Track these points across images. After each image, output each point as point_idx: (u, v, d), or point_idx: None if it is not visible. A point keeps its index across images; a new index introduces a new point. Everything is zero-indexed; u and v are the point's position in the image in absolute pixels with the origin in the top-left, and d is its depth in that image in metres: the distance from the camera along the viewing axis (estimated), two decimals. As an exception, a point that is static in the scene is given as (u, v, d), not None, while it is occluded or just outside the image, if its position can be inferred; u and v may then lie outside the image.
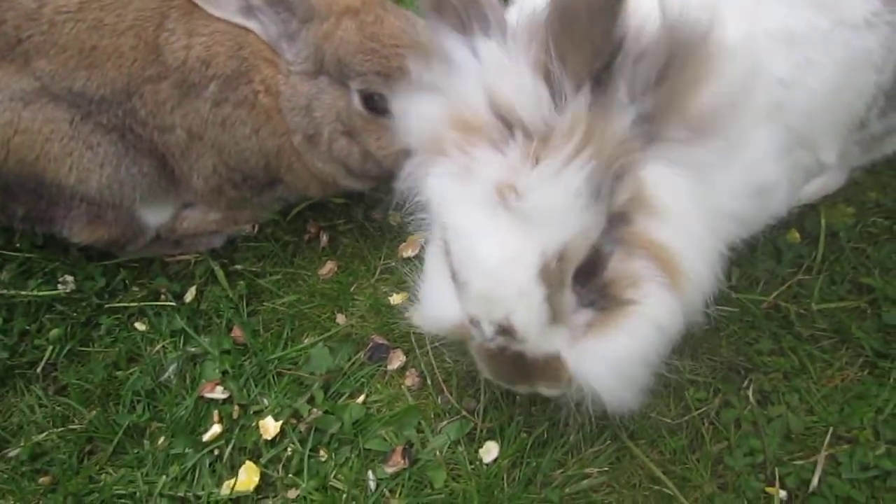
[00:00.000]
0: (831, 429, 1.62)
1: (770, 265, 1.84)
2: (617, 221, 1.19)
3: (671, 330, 1.26)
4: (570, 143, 1.11)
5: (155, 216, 2.11)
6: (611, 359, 1.24)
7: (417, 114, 1.31)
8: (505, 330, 1.22)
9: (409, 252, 2.03)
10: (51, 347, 1.97)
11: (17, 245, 2.19)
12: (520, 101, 1.14)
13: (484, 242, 1.17)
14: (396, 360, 1.83)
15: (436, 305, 1.40)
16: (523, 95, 1.14)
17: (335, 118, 1.81)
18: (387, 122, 1.76)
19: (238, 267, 2.08)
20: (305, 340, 1.90)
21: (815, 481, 1.56)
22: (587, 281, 1.20)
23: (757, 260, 1.84)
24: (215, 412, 1.79)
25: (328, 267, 2.05)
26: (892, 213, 1.91)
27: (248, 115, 1.87)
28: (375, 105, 1.78)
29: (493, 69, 1.18)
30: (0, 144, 1.92)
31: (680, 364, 1.70)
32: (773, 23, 1.31)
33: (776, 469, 1.59)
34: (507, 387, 1.41)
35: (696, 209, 1.21)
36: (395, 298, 1.94)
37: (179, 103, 1.88)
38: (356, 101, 1.79)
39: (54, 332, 1.99)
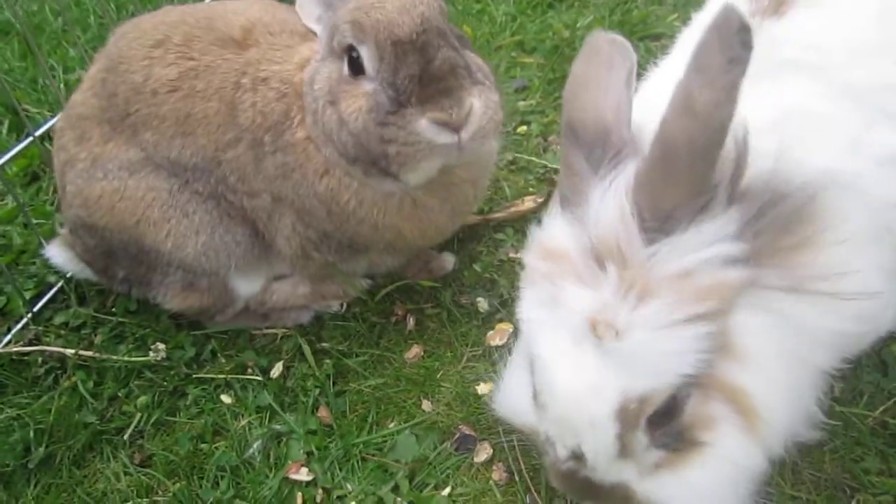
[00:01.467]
0: (945, 560, 1.53)
1: (875, 378, 1.78)
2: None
3: (748, 469, 1.24)
4: (672, 291, 1.11)
5: (246, 286, 2.15)
6: (681, 490, 1.23)
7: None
8: (576, 455, 1.23)
9: (496, 341, 2.02)
10: (139, 415, 1.99)
11: (112, 309, 2.26)
12: (618, 237, 1.15)
13: (566, 370, 1.18)
14: (484, 452, 1.81)
15: (516, 404, 1.41)
16: (622, 232, 1.15)
17: (327, 89, 1.76)
18: (360, 84, 1.69)
19: (325, 345, 2.10)
20: (391, 425, 1.89)
21: None
22: (662, 425, 1.20)
23: (862, 372, 1.78)
24: (299, 494, 1.78)
25: (414, 351, 2.05)
26: None
27: (295, 158, 1.87)
28: (354, 63, 1.70)
29: (596, 203, 1.20)
30: (106, 209, 2.00)
31: (781, 479, 1.64)
32: (881, 148, 1.30)
33: None
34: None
35: (782, 356, 1.21)
36: (483, 388, 1.92)
37: (256, 166, 1.93)
38: (344, 68, 1.72)
39: (142, 399, 2.02)
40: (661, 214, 1.12)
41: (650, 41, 3.04)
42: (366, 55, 1.67)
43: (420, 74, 1.60)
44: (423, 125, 1.60)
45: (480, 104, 1.63)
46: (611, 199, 1.17)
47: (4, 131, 3.04)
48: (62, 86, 3.11)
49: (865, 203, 1.27)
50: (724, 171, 1.15)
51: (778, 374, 1.20)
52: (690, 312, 1.10)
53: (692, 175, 1.09)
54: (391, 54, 1.62)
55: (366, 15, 1.65)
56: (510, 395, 1.45)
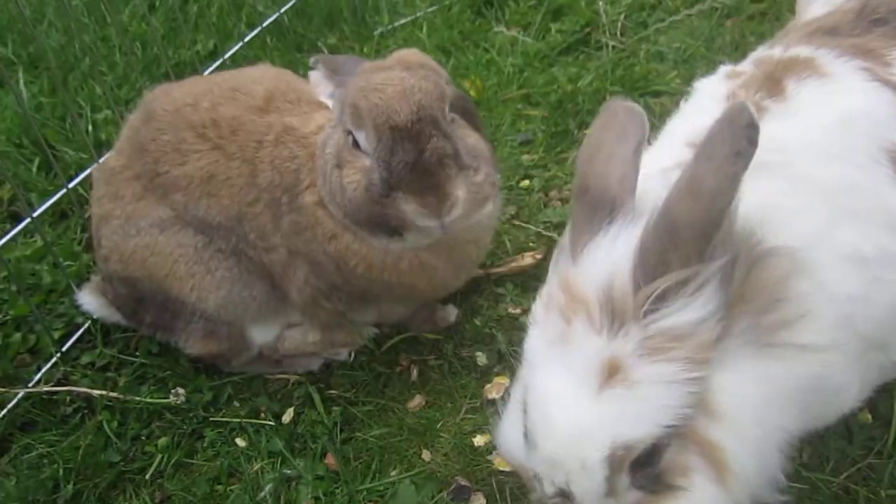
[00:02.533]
0: None
1: (841, 444, 1.92)
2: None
3: None
4: (682, 350, 1.21)
5: (262, 334, 2.31)
6: None
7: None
8: (563, 494, 1.30)
9: (493, 394, 2.16)
10: (159, 455, 2.14)
11: (135, 352, 2.42)
12: (626, 294, 1.24)
13: (564, 411, 1.26)
14: (477, 502, 1.95)
15: (507, 442, 1.49)
16: (630, 291, 1.24)
17: (335, 153, 1.90)
18: (360, 158, 1.84)
19: (333, 392, 2.25)
20: (393, 473, 2.03)
21: None
22: (642, 469, 1.28)
23: (828, 438, 1.92)
24: (307, 537, 1.93)
25: (417, 400, 2.20)
26: (963, 402, 1.98)
27: (306, 220, 2.02)
28: (356, 142, 1.85)
29: (607, 259, 1.29)
30: (139, 263, 2.17)
31: (750, 538, 1.78)
32: (844, 247, 1.40)
33: None
34: None
35: (754, 416, 1.31)
36: (479, 440, 2.07)
37: (274, 224, 2.08)
38: (350, 138, 1.87)
39: (163, 440, 2.18)
40: (668, 275, 1.21)
41: (650, 98, 3.18)
42: (362, 138, 1.83)
43: (412, 164, 1.75)
44: (410, 210, 1.78)
45: (463, 193, 1.79)
46: (619, 260, 1.27)
47: (34, 169, 3.20)
48: (90, 126, 3.27)
49: (829, 296, 1.37)
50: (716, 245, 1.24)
51: (750, 432, 1.30)
52: (692, 371, 1.21)
53: (690, 249, 1.20)
54: (388, 138, 1.77)
55: (365, 99, 1.80)
56: (503, 433, 1.52)
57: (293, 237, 2.08)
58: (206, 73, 3.19)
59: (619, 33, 3.58)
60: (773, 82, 1.50)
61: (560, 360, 1.29)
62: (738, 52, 3.28)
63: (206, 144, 2.10)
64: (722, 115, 1.14)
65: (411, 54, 2.02)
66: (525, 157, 2.98)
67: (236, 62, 3.37)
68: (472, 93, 3.28)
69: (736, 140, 1.11)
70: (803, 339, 1.33)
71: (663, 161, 1.50)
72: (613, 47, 3.50)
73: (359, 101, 1.81)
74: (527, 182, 2.88)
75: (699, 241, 1.19)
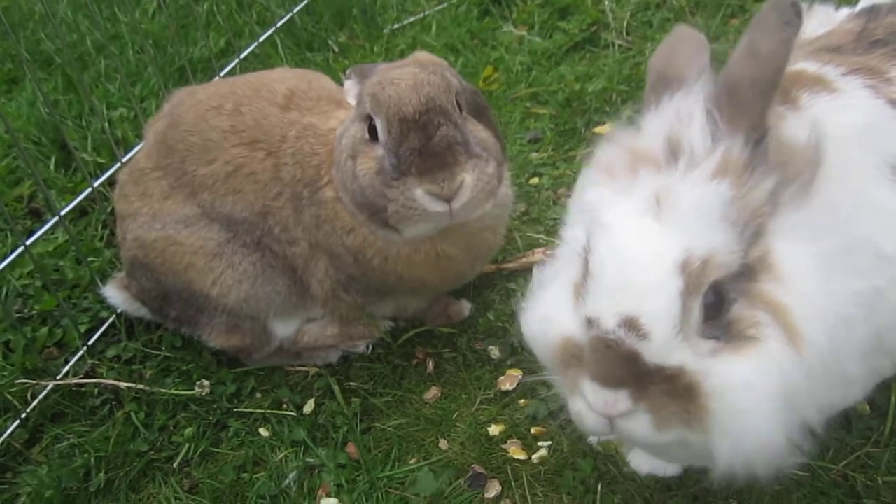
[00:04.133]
0: None
1: (840, 434, 2.01)
2: (744, 275, 1.24)
3: (790, 381, 1.22)
4: (725, 171, 1.26)
5: (283, 328, 2.39)
6: (741, 382, 1.20)
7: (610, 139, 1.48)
8: (629, 323, 1.19)
9: (506, 386, 2.25)
10: (186, 445, 2.23)
11: (160, 345, 2.50)
12: (691, 136, 1.31)
13: (631, 235, 1.24)
14: (493, 489, 2.04)
15: (547, 315, 1.38)
16: (695, 133, 1.31)
17: (351, 145, 1.99)
18: (374, 148, 1.93)
19: (353, 384, 2.34)
20: (411, 462, 2.12)
21: None
22: (712, 317, 1.23)
23: (828, 428, 2.01)
24: (330, 523, 2.02)
25: (433, 392, 2.29)
26: (958, 393, 2.07)
27: (325, 213, 2.10)
28: (372, 129, 1.94)
29: (675, 112, 1.36)
30: (159, 252, 2.26)
31: (754, 522, 1.88)
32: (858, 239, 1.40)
33: None
34: (602, 408, 1.27)
35: (819, 289, 1.27)
36: (493, 429, 2.15)
37: (297, 217, 2.17)
38: (365, 132, 1.96)
39: (188, 430, 2.26)
40: (729, 130, 1.28)
41: (654, 96, 3.25)
42: (379, 126, 1.92)
43: (420, 149, 1.85)
44: (419, 194, 1.86)
45: (472, 178, 1.88)
46: (691, 109, 1.33)
47: (52, 166, 3.28)
48: (106, 124, 3.35)
49: (850, 292, 1.33)
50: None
51: (819, 301, 1.25)
52: (729, 187, 1.23)
53: (751, 107, 1.28)
54: (397, 129, 1.87)
55: (382, 90, 1.90)
56: (540, 309, 1.41)
57: (314, 230, 2.16)
58: (224, 72, 3.27)
59: (625, 32, 3.65)
60: (784, 93, 1.57)
61: (625, 199, 1.30)
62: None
63: (232, 140, 2.19)
64: (767, 2, 1.26)
65: (425, 55, 2.13)
66: (534, 155, 3.06)
67: (247, 61, 3.45)
68: (494, 86, 3.36)
69: (783, 12, 1.24)
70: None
71: None
72: (620, 46, 3.57)
73: (377, 91, 1.91)
74: (536, 180, 2.96)
75: (760, 99, 1.28)
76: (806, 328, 1.24)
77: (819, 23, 1.82)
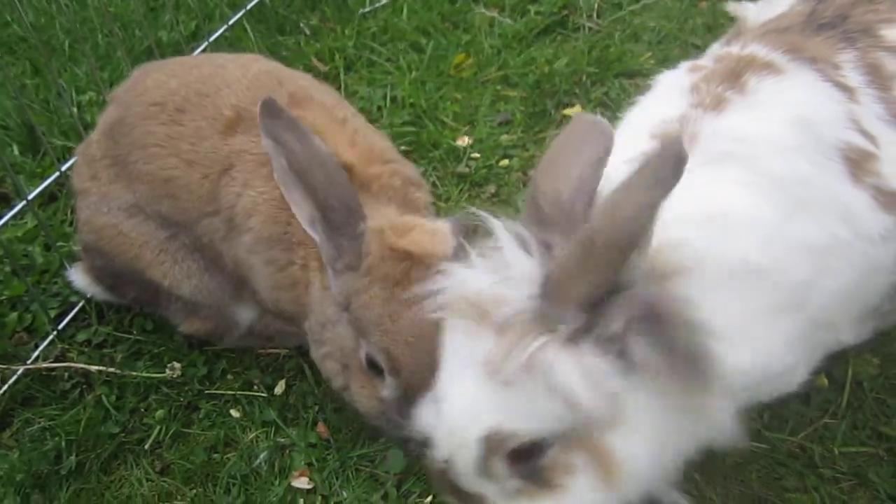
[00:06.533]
0: (848, 564, 1.83)
1: (799, 407, 2.07)
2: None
3: None
4: (557, 352, 1.24)
5: (245, 314, 2.37)
6: None
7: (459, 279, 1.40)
8: (448, 463, 1.39)
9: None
10: (157, 427, 2.24)
11: (130, 329, 2.50)
12: (523, 302, 1.28)
13: (456, 391, 1.36)
14: (462, 465, 2.07)
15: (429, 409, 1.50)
16: (520, 294, 1.29)
17: (339, 350, 1.89)
18: (376, 379, 1.83)
19: (323, 365, 2.35)
20: (381, 440, 2.15)
21: None
22: (523, 461, 1.34)
23: (788, 401, 2.06)
24: (301, 501, 2.05)
25: (403, 372, 2.31)
26: (913, 366, 2.14)
27: (271, 272, 2.01)
28: (374, 366, 1.81)
29: (517, 269, 1.31)
30: (108, 239, 2.25)
31: (713, 492, 1.93)
32: (796, 237, 1.47)
33: None
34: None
35: (654, 424, 1.33)
36: (462, 408, 2.18)
37: (225, 237, 2.10)
38: (362, 354, 1.83)
39: (160, 412, 2.28)
40: (567, 297, 1.25)
41: (625, 79, 3.29)
42: (388, 380, 1.79)
43: None
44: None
45: None
46: (530, 271, 1.28)
47: (16, 150, 3.24)
48: (75, 109, 3.31)
49: (776, 284, 1.44)
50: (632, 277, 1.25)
51: (646, 439, 1.34)
52: (564, 382, 1.24)
53: (602, 272, 1.21)
54: (414, 395, 1.65)
55: (395, 347, 1.73)
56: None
57: (245, 268, 2.09)
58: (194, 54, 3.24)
59: (595, 15, 3.67)
60: (734, 76, 1.59)
61: (468, 348, 1.34)
62: (711, 34, 3.40)
63: (168, 149, 2.11)
64: (655, 149, 1.16)
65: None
66: (504, 137, 3.08)
67: (217, 44, 3.42)
68: (465, 73, 3.37)
69: (661, 170, 1.12)
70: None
71: (627, 152, 1.53)
72: (590, 28, 3.60)
73: (391, 348, 1.75)
74: (506, 162, 2.98)
75: (614, 258, 1.20)
76: (627, 466, 1.32)
77: (764, 3, 1.84)
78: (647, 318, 1.28)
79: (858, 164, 1.51)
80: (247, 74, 2.15)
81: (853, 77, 1.59)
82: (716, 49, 1.81)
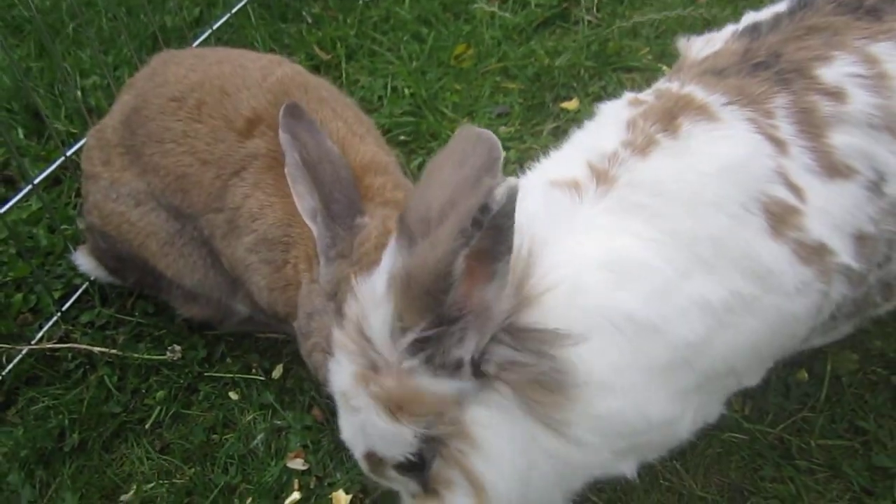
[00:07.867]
0: (820, 552, 1.90)
1: (779, 400, 2.13)
2: (438, 442, 1.36)
3: None
4: (406, 396, 1.31)
5: (243, 307, 2.43)
6: None
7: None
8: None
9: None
10: (158, 407, 2.31)
11: (133, 311, 2.57)
12: (372, 333, 1.34)
13: (341, 415, 1.46)
14: (452, 450, 2.14)
15: None
16: (375, 329, 1.34)
17: (325, 339, 1.89)
18: None
19: (319, 351, 2.42)
20: (375, 424, 2.22)
21: None
22: (409, 471, 1.42)
23: (769, 393, 2.13)
24: (296, 481, 2.12)
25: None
26: (892, 363, 2.19)
27: (268, 272, 2.08)
28: None
29: (369, 303, 1.36)
30: (115, 225, 2.30)
31: (693, 481, 2.00)
32: (690, 295, 1.42)
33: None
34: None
35: (514, 449, 1.37)
36: (454, 394, 2.25)
37: (225, 236, 2.16)
38: None
39: (160, 393, 2.35)
40: (405, 324, 1.28)
41: (623, 73, 3.34)
42: None
43: None
44: None
45: None
46: (381, 302, 1.32)
47: (21, 133, 3.29)
48: (79, 92, 3.36)
49: (664, 342, 1.41)
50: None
51: (509, 463, 1.37)
52: (414, 414, 1.32)
53: (422, 303, 1.24)
54: None
55: None
56: None
57: (242, 267, 2.14)
58: (197, 42, 3.28)
59: (595, 9, 3.71)
60: (670, 118, 1.54)
61: (337, 378, 1.45)
62: (710, 29, 3.42)
63: (184, 146, 2.16)
64: (474, 200, 1.14)
65: None
66: (503, 129, 3.13)
67: (221, 31, 3.46)
68: (465, 63, 3.41)
69: (464, 219, 1.13)
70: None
71: (558, 172, 1.55)
72: (589, 22, 3.63)
73: None
74: (503, 153, 3.02)
75: (428, 298, 1.23)
76: (493, 489, 1.38)
77: (705, 40, 1.80)
78: (503, 341, 1.31)
79: (781, 217, 1.46)
80: (268, 78, 2.18)
81: (784, 128, 1.53)
82: (661, 83, 1.75)
